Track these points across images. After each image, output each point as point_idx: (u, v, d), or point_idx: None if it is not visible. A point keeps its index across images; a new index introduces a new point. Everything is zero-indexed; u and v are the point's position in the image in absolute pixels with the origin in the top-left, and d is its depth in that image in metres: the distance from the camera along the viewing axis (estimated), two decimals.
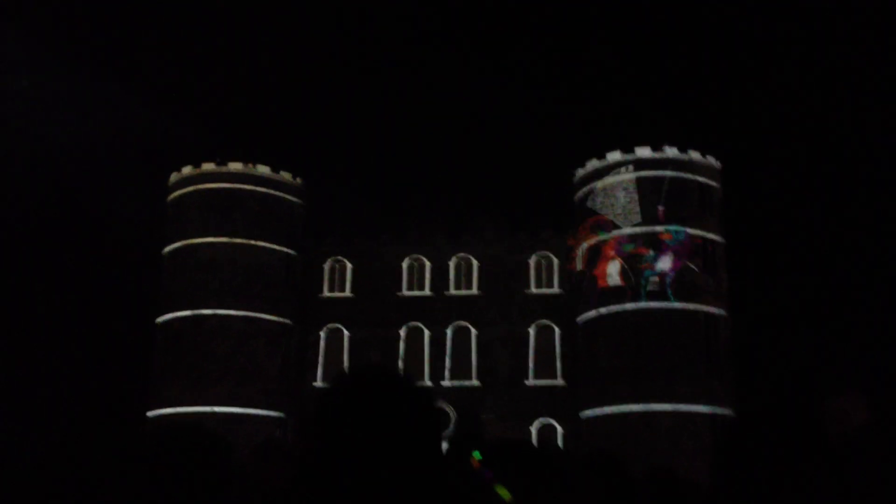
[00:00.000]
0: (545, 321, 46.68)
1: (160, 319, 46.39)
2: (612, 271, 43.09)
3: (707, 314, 42.53)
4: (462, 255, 48.37)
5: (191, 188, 47.48)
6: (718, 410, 41.00)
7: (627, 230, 43.58)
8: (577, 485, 3.70)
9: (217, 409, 43.12)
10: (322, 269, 49.06)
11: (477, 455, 2.29)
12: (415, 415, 1.54)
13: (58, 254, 72.65)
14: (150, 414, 45.11)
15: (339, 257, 49.17)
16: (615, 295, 42.91)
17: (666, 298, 41.75)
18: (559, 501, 2.34)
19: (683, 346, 41.56)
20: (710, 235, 44.08)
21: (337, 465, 1.47)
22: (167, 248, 47.50)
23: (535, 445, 2.57)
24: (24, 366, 56.47)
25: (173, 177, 48.67)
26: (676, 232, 42.61)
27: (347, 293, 48.61)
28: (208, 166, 47.64)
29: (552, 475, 2.30)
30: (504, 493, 2.17)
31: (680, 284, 42.51)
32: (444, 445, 2.96)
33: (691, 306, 42.29)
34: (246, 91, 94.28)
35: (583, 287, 44.46)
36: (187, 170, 48.06)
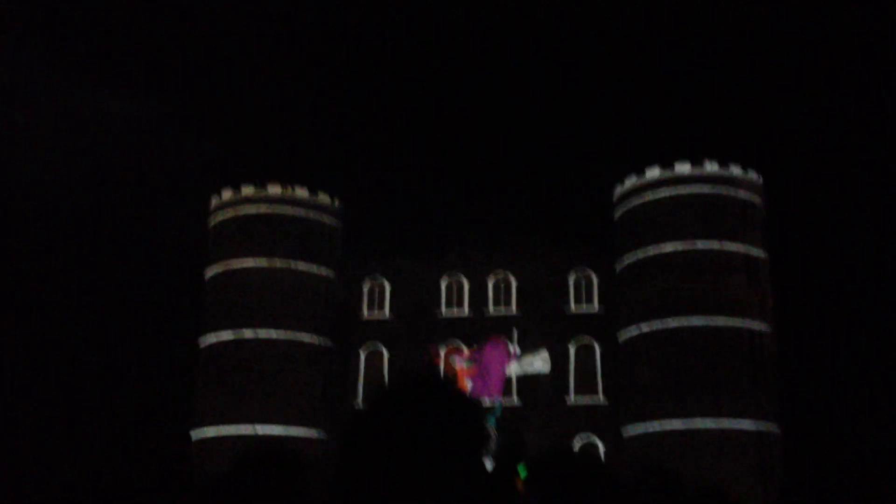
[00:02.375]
0: (585, 338, 46.33)
1: (202, 341, 46.88)
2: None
3: (751, 330, 41.91)
4: (501, 273, 48.24)
5: (230, 211, 48.04)
6: (763, 426, 40.29)
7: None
8: (630, 499, 3.63)
9: (259, 428, 43.38)
10: (361, 290, 49.25)
11: (522, 472, 2.24)
12: (460, 425, 1.49)
13: (101, 277, 73.86)
14: (193, 434, 45.51)
15: (378, 276, 49.34)
16: (656, 310, 42.51)
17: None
18: None
19: (727, 362, 40.97)
20: (754, 251, 43.49)
21: (376, 478, 1.43)
22: (208, 271, 48.03)
23: (580, 455, 2.50)
24: (70, 389, 57.33)
25: (214, 200, 49.28)
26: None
27: (387, 313, 48.71)
28: (247, 190, 48.18)
29: (599, 484, 2.24)
30: (522, 471, 2.15)
31: (725, 300, 41.96)
32: (489, 464, 2.91)
33: (735, 322, 41.71)
34: (284, 113, 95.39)
35: None
36: (227, 194, 48.63)
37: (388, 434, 1.46)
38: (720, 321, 41.61)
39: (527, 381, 46.15)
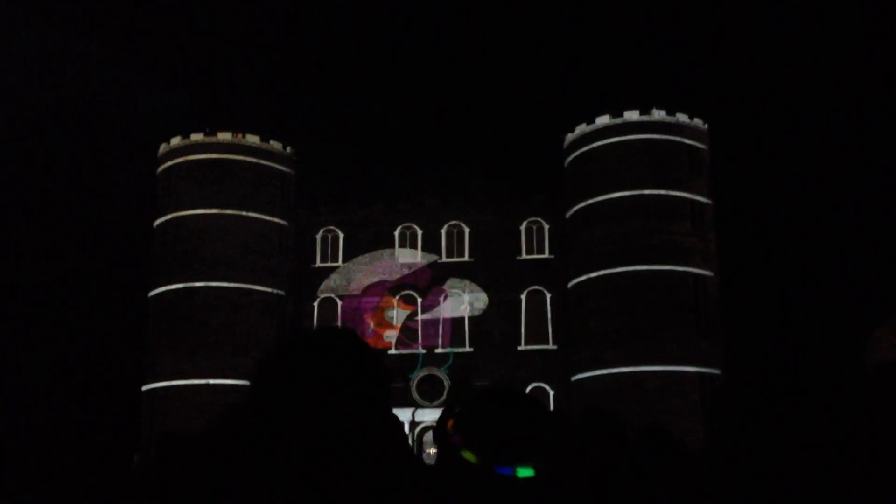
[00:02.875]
0: (536, 286, 47.02)
1: (152, 293, 46.43)
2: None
3: (696, 275, 42.94)
4: (454, 222, 48.52)
5: (180, 159, 47.27)
6: (707, 370, 41.56)
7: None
8: (575, 440, 3.82)
9: (211, 381, 43.32)
10: (314, 239, 49.15)
11: (456, 411, 2.18)
12: (362, 372, 1.54)
13: (46, 227, 72.39)
14: (144, 388, 45.29)
15: (332, 227, 49.24)
16: (603, 258, 43.29)
17: None
18: (552, 450, 2.29)
19: (672, 307, 42.01)
20: (699, 198, 44.36)
21: (278, 424, 1.47)
22: (158, 221, 47.39)
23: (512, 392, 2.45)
24: (15, 342, 56.53)
25: (162, 148, 48.42)
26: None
27: (340, 262, 48.75)
28: (197, 137, 47.39)
29: (529, 421, 2.21)
30: (470, 456, 2.12)
31: (670, 246, 42.89)
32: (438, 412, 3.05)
33: (680, 268, 42.68)
34: (235, 59, 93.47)
35: None
36: (176, 141, 47.80)
37: (289, 381, 1.50)
38: (666, 267, 42.55)
39: (479, 328, 46.93)
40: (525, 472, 2.03)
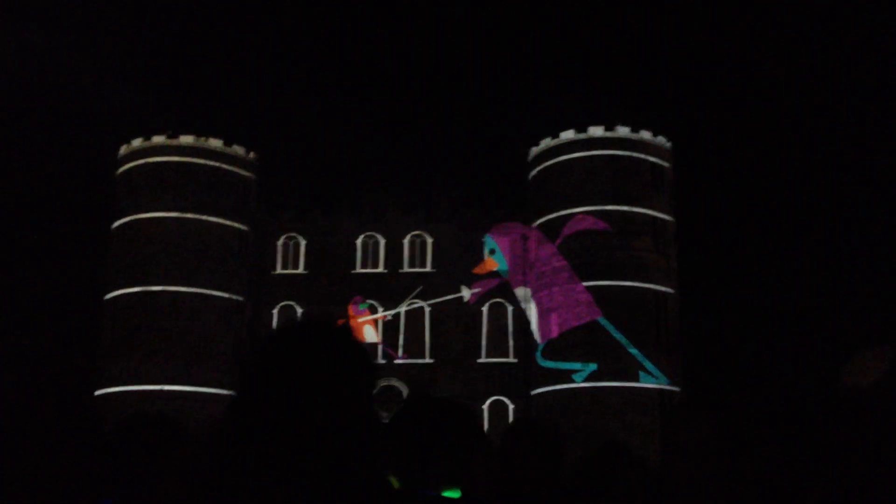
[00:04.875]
0: (498, 299, 46.99)
1: (108, 296, 45.62)
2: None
3: (656, 292, 43.21)
4: (416, 232, 48.38)
5: (140, 161, 46.62)
6: (666, 387, 41.77)
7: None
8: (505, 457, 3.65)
9: (166, 387, 42.62)
10: (275, 246, 48.70)
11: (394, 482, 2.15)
12: (349, 365, 1.53)
13: (1, 227, 70.96)
14: (97, 393, 44.44)
15: (293, 234, 48.83)
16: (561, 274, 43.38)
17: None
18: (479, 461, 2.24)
19: (633, 323, 42.20)
20: (661, 215, 44.69)
21: (264, 410, 1.46)
22: (116, 223, 46.65)
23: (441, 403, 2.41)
24: None
25: (123, 149, 47.74)
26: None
27: (301, 270, 48.34)
28: (159, 139, 46.80)
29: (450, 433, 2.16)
30: (394, 482, 2.08)
31: (632, 263, 43.11)
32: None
33: (641, 284, 42.92)
34: (199, 62, 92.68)
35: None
36: (137, 142, 47.16)
37: (278, 375, 1.49)
38: (627, 283, 42.77)
39: (439, 340, 46.75)
40: (451, 494, 1.94)
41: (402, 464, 2.00)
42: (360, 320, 46.38)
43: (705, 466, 2.00)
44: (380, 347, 46.40)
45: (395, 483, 1.95)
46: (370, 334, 46.25)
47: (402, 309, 46.34)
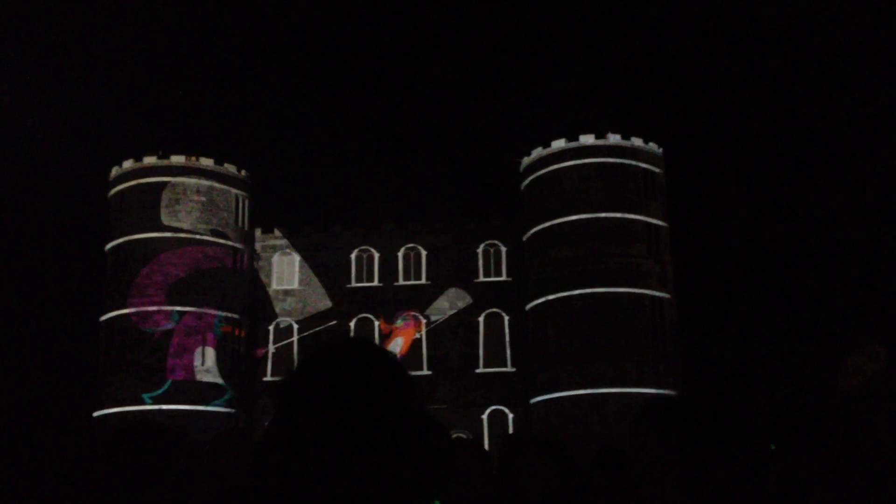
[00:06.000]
0: (494, 309, 47.00)
1: (104, 317, 45.55)
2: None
3: (652, 298, 43.25)
4: (410, 245, 48.41)
5: (132, 182, 46.63)
6: (664, 392, 41.75)
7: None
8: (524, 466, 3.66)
9: (164, 407, 42.50)
10: (270, 263, 48.68)
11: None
12: (391, 384, 1.46)
13: None
14: (96, 414, 44.31)
15: (287, 250, 48.83)
16: (560, 281, 43.45)
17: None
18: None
19: (629, 330, 42.22)
20: (655, 221, 44.79)
21: (306, 444, 1.39)
22: (109, 244, 46.62)
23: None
24: None
25: (114, 171, 47.75)
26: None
27: (296, 286, 48.31)
28: (150, 160, 46.83)
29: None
30: None
31: (627, 269, 43.19)
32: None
33: (636, 290, 42.96)
34: (188, 82, 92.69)
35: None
36: (128, 164, 47.19)
37: (318, 397, 1.42)
38: (622, 290, 42.81)
39: (436, 352, 46.73)
40: None
41: (377, 482, 2.00)
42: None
43: (661, 476, 1.98)
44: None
45: None
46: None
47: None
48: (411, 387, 1.49)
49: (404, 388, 1.47)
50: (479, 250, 47.99)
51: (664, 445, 2.00)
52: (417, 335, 46.44)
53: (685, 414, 2.05)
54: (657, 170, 46.12)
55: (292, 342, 47.31)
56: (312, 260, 48.42)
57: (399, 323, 46.65)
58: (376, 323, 47.21)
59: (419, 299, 47.43)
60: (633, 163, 45.16)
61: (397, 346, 45.97)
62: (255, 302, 47.58)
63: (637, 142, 45.71)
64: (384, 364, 1.48)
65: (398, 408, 1.44)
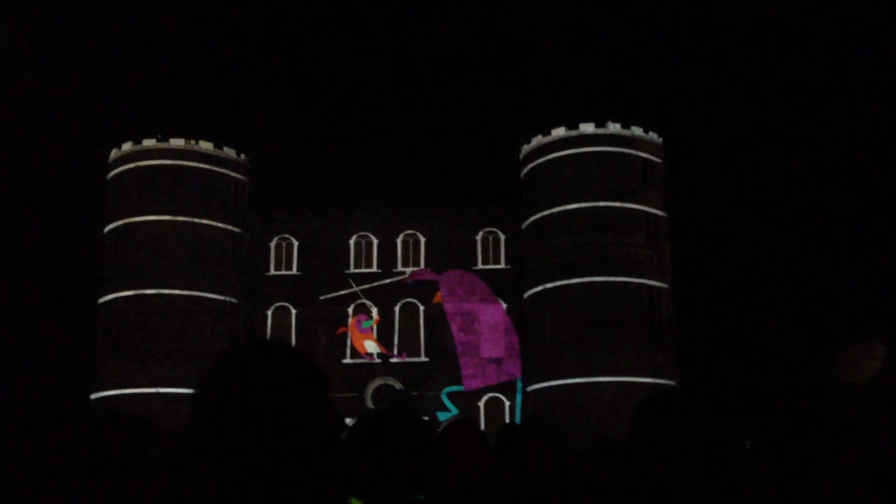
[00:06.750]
0: (493, 297, 47.01)
1: (102, 300, 45.56)
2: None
3: (650, 287, 43.30)
4: (409, 231, 48.40)
5: (131, 165, 46.54)
6: (660, 381, 41.87)
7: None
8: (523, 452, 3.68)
9: (162, 390, 42.59)
10: (268, 247, 48.67)
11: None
12: (301, 387, 1.50)
13: None
14: (93, 396, 44.39)
15: (286, 235, 48.81)
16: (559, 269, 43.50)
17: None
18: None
19: (627, 318, 42.29)
20: (653, 210, 44.79)
21: (220, 436, 1.45)
22: (108, 227, 46.57)
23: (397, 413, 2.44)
24: None
25: (113, 153, 47.64)
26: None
27: (294, 271, 48.31)
28: (149, 142, 46.73)
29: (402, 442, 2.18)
30: (356, 503, 2.09)
31: (625, 258, 43.22)
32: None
33: (634, 280, 43.00)
34: (188, 65, 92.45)
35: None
36: (127, 146, 47.08)
37: (231, 396, 1.48)
38: (620, 279, 42.85)
39: (434, 338, 46.79)
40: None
41: (363, 479, 2.02)
42: (361, 333, 46.72)
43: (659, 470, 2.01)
44: (375, 353, 46.49)
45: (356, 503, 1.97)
46: (371, 346, 46.49)
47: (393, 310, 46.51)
48: (319, 392, 1.52)
49: (310, 394, 1.50)
50: (478, 237, 47.99)
51: (664, 440, 2.02)
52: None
53: (685, 410, 2.07)
54: (657, 159, 46.09)
55: (290, 327, 47.35)
56: (311, 245, 48.39)
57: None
58: (374, 310, 47.25)
59: (417, 286, 47.45)
60: (633, 152, 45.12)
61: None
62: (253, 286, 47.59)
63: (637, 131, 45.65)
64: (296, 368, 1.51)
65: (306, 413, 1.47)
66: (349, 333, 46.84)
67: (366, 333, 46.65)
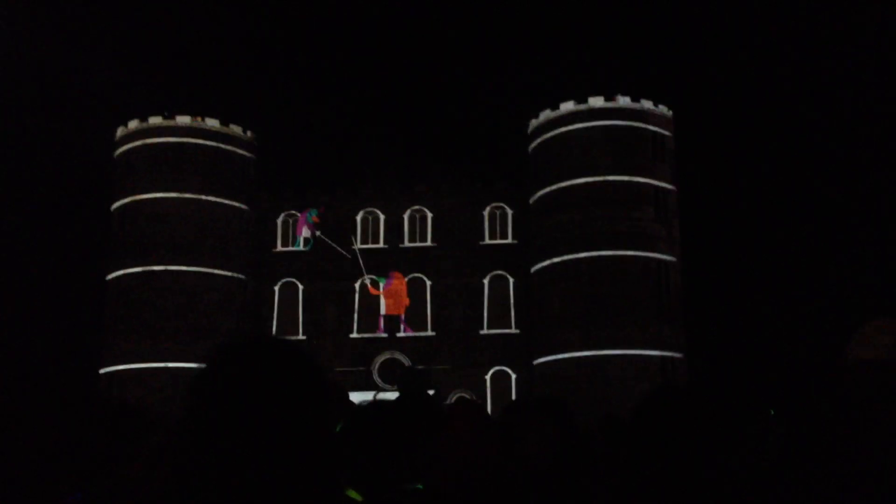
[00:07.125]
0: (499, 271, 46.98)
1: (110, 276, 45.76)
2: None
3: (659, 261, 43.17)
4: (416, 207, 48.30)
5: (138, 142, 46.54)
6: (668, 354, 41.86)
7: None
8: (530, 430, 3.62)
9: (170, 364, 42.88)
10: (276, 224, 48.68)
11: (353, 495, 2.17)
12: (296, 381, 1.47)
13: (1, 211, 70.92)
14: (102, 371, 44.73)
15: (293, 211, 48.78)
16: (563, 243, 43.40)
17: None
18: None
19: (635, 293, 42.20)
20: (663, 184, 44.54)
21: (211, 439, 1.41)
22: (116, 204, 46.66)
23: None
24: None
25: (120, 131, 47.64)
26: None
27: (301, 247, 48.34)
28: (156, 120, 46.68)
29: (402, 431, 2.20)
30: (354, 495, 2.09)
31: (634, 232, 43.05)
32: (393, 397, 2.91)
33: (643, 254, 42.87)
34: (196, 41, 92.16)
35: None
36: (134, 124, 47.04)
37: (223, 392, 1.44)
38: (629, 253, 42.72)
39: (441, 313, 46.85)
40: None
41: (363, 469, 2.02)
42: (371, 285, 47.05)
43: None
44: (381, 319, 46.52)
45: (354, 496, 1.96)
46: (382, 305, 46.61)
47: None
48: (315, 386, 1.49)
49: (306, 389, 1.48)
50: (486, 213, 47.85)
51: (664, 440, 2.00)
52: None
53: (685, 409, 2.04)
54: (666, 133, 45.77)
55: (297, 304, 47.46)
56: (318, 221, 48.35)
57: (381, 283, 46.95)
58: (381, 282, 47.26)
59: (424, 261, 47.43)
60: (643, 125, 44.79)
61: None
62: (260, 263, 47.68)
63: (647, 104, 45.28)
64: (292, 365, 1.48)
65: (301, 408, 1.45)
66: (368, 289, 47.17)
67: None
